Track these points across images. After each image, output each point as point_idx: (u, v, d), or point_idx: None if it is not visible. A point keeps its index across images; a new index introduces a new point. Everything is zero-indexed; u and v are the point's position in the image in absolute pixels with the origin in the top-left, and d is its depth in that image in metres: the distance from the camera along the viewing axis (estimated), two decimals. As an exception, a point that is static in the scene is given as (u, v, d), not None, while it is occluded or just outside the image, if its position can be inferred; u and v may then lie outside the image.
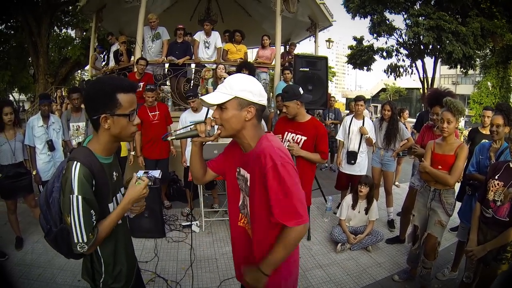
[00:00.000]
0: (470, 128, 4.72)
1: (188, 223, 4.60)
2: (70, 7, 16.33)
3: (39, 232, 4.08)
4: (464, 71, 19.10)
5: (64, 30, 19.15)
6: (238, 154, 1.66)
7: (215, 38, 6.77)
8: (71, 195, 1.40)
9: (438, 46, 17.26)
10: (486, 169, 2.90)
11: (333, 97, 8.32)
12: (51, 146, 4.31)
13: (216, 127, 1.57)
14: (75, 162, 1.44)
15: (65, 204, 1.42)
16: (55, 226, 1.55)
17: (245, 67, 5.80)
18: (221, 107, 1.50)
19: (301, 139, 3.44)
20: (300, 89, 3.36)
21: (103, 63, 9.24)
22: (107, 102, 1.49)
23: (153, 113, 4.91)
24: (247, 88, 1.48)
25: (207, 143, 1.70)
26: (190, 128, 1.63)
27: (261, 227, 1.55)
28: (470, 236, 2.68)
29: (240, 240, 1.73)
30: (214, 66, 6.23)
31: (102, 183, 1.52)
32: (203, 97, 1.53)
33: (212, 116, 1.56)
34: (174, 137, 1.66)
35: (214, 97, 1.50)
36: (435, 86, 21.57)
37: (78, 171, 1.42)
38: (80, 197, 1.40)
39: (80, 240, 1.42)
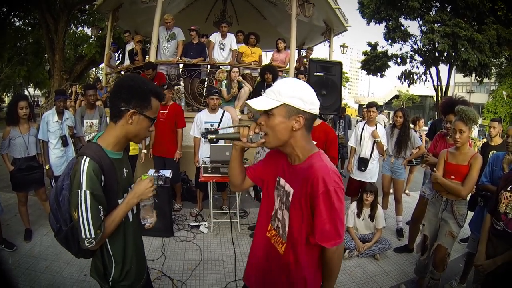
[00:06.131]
0: (483, 143, 4.66)
1: (197, 223, 4.61)
2: (87, 6, 16.62)
3: (48, 225, 4.15)
4: (479, 79, 18.83)
5: (80, 28, 19.44)
6: (282, 163, 1.56)
7: (230, 40, 6.78)
8: (79, 190, 1.39)
9: (453, 54, 17.08)
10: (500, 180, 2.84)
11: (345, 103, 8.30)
12: (64, 141, 4.39)
13: (261, 134, 1.45)
14: (85, 157, 1.43)
15: (73, 199, 1.42)
16: (65, 225, 1.55)
17: (268, 70, 5.80)
18: (267, 113, 1.39)
19: None
20: None
21: (118, 61, 9.36)
22: (141, 99, 1.51)
23: (162, 111, 4.95)
24: (298, 94, 1.36)
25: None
26: (234, 130, 1.55)
27: (298, 243, 1.46)
28: (479, 247, 2.63)
29: (263, 251, 1.63)
30: (228, 68, 6.25)
31: (111, 179, 1.52)
32: (249, 102, 1.43)
33: (258, 121, 1.45)
34: (214, 137, 1.59)
35: (260, 103, 1.39)
36: (449, 94, 21.32)
37: (87, 165, 1.42)
38: (88, 192, 1.40)
39: (88, 235, 1.41)
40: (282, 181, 1.54)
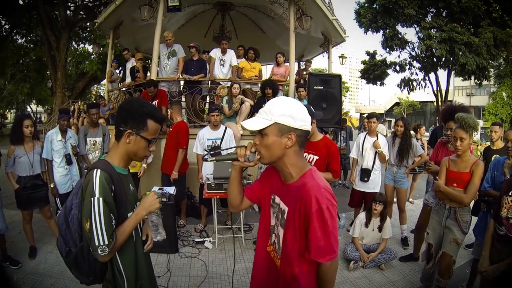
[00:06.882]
0: (485, 147, 4.67)
1: (202, 239, 4.62)
2: (88, 23, 16.83)
3: (53, 243, 4.20)
4: (478, 82, 18.94)
5: (81, 45, 19.64)
6: (275, 181, 1.61)
7: (230, 56, 6.82)
8: (92, 198, 1.47)
9: (451, 58, 17.23)
10: (501, 185, 2.84)
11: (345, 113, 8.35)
12: (68, 160, 4.43)
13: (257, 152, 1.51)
14: (96, 169, 1.54)
15: (85, 208, 1.48)
16: (75, 246, 1.59)
17: (268, 86, 5.85)
18: (261, 133, 1.44)
19: (313, 158, 3.43)
20: (311, 107, 3.37)
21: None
22: (137, 121, 1.62)
23: (170, 129, 5.01)
24: (288, 113, 1.40)
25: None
26: (231, 152, 1.60)
27: (292, 259, 1.50)
28: (483, 253, 2.64)
29: (264, 265, 1.68)
30: (229, 83, 6.28)
31: (120, 191, 1.61)
32: (242, 123, 1.49)
33: (253, 141, 1.51)
34: (213, 159, 1.65)
35: (253, 123, 1.44)
36: (449, 98, 21.40)
37: (99, 175, 1.52)
38: (101, 199, 1.48)
39: (101, 243, 1.46)
40: (277, 199, 1.59)
